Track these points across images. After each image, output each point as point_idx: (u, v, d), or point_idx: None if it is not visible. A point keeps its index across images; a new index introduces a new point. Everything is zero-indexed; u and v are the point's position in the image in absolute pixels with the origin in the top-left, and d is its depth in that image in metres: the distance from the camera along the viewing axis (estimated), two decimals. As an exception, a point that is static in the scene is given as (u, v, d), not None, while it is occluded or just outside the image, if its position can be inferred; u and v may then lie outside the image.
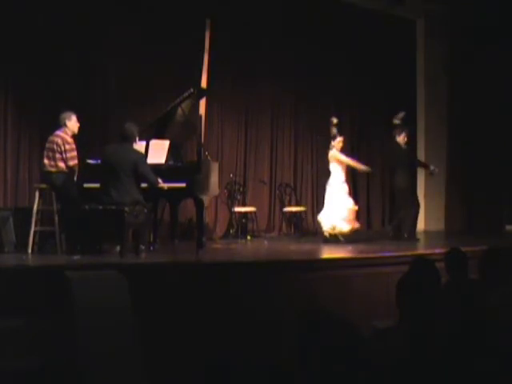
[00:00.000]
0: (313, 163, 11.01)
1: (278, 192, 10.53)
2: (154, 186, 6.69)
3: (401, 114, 9.25)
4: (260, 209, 10.11)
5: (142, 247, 6.85)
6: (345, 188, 8.74)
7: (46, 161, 6.86)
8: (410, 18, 11.73)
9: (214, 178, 7.24)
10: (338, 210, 8.58)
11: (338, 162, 8.73)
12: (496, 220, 11.36)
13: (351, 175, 10.26)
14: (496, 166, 11.31)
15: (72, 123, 6.93)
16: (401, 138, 9.18)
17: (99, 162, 7.01)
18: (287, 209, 10.34)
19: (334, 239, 8.48)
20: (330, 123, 8.87)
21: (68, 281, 4.67)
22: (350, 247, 8.08)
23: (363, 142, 11.42)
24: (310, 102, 10.87)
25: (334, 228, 8.54)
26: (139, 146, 7.05)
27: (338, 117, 9.03)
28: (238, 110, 10.18)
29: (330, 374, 2.04)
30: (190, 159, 7.95)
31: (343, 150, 8.88)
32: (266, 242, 9.16)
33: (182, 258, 6.83)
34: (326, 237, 8.59)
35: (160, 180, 6.70)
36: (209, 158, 7.51)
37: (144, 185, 6.71)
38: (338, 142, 8.76)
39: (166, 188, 6.79)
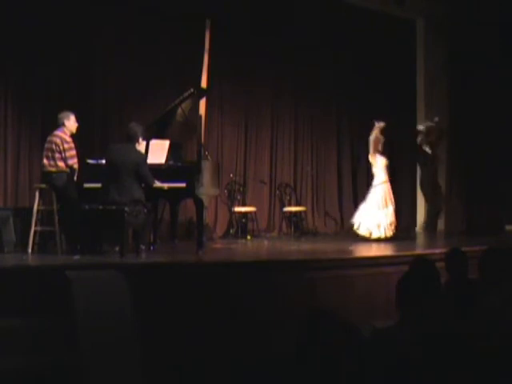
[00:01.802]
0: (313, 163, 11.01)
1: (278, 192, 10.53)
2: (150, 187, 6.70)
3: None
4: (260, 209, 10.11)
5: (142, 247, 6.85)
6: (375, 191, 8.93)
7: (45, 161, 6.86)
8: (409, 17, 11.73)
9: (208, 177, 7.18)
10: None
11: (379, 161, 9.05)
12: (496, 220, 11.36)
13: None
14: (496, 166, 11.31)
15: (71, 123, 6.94)
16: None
17: (99, 161, 7.03)
18: (287, 209, 10.34)
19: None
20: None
21: (68, 281, 4.68)
22: (350, 247, 8.09)
23: (363, 142, 11.40)
24: (309, 101, 10.88)
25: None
26: (140, 145, 7.06)
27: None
28: (238, 110, 10.18)
29: (331, 374, 2.04)
30: (190, 159, 7.95)
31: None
32: (266, 242, 9.16)
33: (181, 258, 6.83)
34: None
35: (156, 181, 6.73)
36: (209, 157, 7.51)
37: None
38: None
39: (166, 188, 6.79)
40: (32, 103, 8.15)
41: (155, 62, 8.92)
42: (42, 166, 6.94)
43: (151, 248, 7.22)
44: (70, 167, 6.86)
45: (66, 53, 8.25)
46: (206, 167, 7.17)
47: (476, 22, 11.05)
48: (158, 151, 7.17)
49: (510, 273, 3.99)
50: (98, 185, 6.83)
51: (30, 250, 6.77)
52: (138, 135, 6.71)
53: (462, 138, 11.41)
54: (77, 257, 6.25)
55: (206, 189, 7.10)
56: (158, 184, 6.73)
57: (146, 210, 6.62)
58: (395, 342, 2.71)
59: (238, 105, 10.16)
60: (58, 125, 6.91)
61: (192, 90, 7.30)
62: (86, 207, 6.52)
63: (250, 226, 9.84)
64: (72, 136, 6.96)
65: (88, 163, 7.15)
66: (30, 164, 8.10)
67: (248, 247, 8.72)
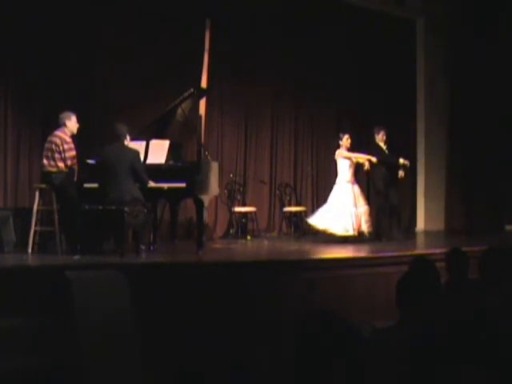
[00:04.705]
0: (313, 163, 11.01)
1: (278, 192, 10.53)
2: (144, 186, 6.70)
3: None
4: (260, 209, 10.11)
5: (142, 247, 6.85)
6: (350, 189, 8.66)
7: (45, 161, 6.86)
8: (409, 17, 11.73)
9: (213, 178, 7.22)
10: (331, 210, 8.61)
11: (344, 160, 8.74)
12: (496, 220, 11.36)
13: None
14: (496, 165, 11.31)
15: (72, 123, 6.93)
16: (379, 137, 9.18)
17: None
18: (287, 209, 10.34)
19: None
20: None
21: (68, 281, 4.67)
22: (350, 247, 8.08)
23: (363, 142, 11.41)
24: (309, 101, 10.88)
25: (324, 229, 8.61)
26: (139, 145, 7.07)
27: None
28: (238, 110, 10.19)
29: (330, 374, 2.04)
30: (190, 159, 7.95)
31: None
32: (266, 242, 9.16)
33: (182, 258, 6.83)
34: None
35: (150, 181, 6.74)
36: (209, 157, 7.51)
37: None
38: (346, 140, 8.74)
39: (165, 188, 6.80)
40: (32, 103, 8.15)
41: (155, 62, 8.91)
42: (42, 165, 6.94)
43: (151, 248, 7.22)
44: (70, 167, 6.86)
45: (66, 53, 8.25)
46: (213, 168, 7.19)
47: (476, 21, 11.05)
48: (158, 151, 7.17)
49: (510, 273, 3.99)
50: (98, 185, 6.84)
51: (29, 250, 6.76)
52: (125, 133, 6.78)
53: (462, 138, 11.42)
54: (77, 257, 6.25)
55: (211, 190, 7.12)
56: (152, 184, 6.75)
57: (145, 210, 6.63)
58: (395, 342, 2.71)
59: (237, 105, 10.17)
60: (59, 125, 6.90)
61: (192, 89, 7.30)
62: (86, 207, 6.52)
63: (250, 226, 9.84)
64: (72, 136, 6.96)
65: (88, 163, 7.15)
66: (30, 164, 8.10)
67: (248, 247, 8.72)
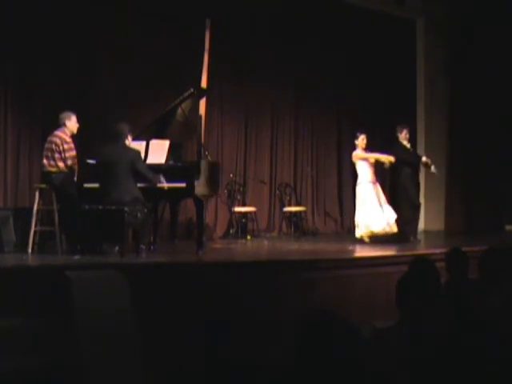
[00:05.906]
0: (313, 163, 11.01)
1: (278, 192, 10.53)
2: (153, 184, 6.69)
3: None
4: (260, 209, 10.11)
5: (142, 247, 6.85)
6: (373, 188, 8.58)
7: (45, 161, 6.86)
8: (409, 17, 11.74)
9: (204, 176, 7.14)
10: (369, 211, 8.51)
11: (362, 161, 8.65)
12: (496, 220, 11.36)
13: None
14: (496, 165, 11.32)
15: (72, 123, 6.94)
16: (402, 136, 9.12)
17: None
18: (287, 209, 10.34)
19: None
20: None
21: (68, 281, 4.67)
22: (351, 247, 8.09)
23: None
24: (309, 101, 10.89)
25: (368, 230, 8.46)
26: (139, 145, 7.07)
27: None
28: (238, 110, 10.19)
29: (330, 375, 2.04)
30: (190, 159, 7.95)
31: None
32: (266, 242, 9.16)
33: (182, 258, 6.83)
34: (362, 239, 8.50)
35: (163, 179, 6.71)
36: (209, 157, 7.51)
37: (140, 184, 6.71)
38: (361, 140, 8.66)
39: (166, 188, 6.80)
40: (32, 103, 8.15)
41: (155, 62, 8.91)
42: (42, 165, 6.95)
43: (151, 248, 7.21)
44: (70, 167, 6.87)
45: (66, 53, 8.25)
46: (203, 167, 7.15)
47: (475, 21, 11.06)
48: (158, 151, 7.17)
49: (510, 273, 4.00)
50: (98, 185, 6.84)
51: (29, 250, 6.76)
52: (126, 133, 6.76)
53: (462, 138, 11.42)
54: (77, 257, 6.25)
55: (202, 188, 7.07)
56: (164, 183, 6.72)
57: (145, 210, 6.63)
58: (395, 342, 2.71)
59: (237, 105, 10.17)
60: (59, 125, 6.91)
61: (192, 89, 7.30)
62: (86, 207, 6.52)
63: (250, 225, 9.84)
64: (72, 136, 6.96)
65: (88, 163, 7.15)
66: (30, 164, 8.10)
67: (248, 247, 8.72)
